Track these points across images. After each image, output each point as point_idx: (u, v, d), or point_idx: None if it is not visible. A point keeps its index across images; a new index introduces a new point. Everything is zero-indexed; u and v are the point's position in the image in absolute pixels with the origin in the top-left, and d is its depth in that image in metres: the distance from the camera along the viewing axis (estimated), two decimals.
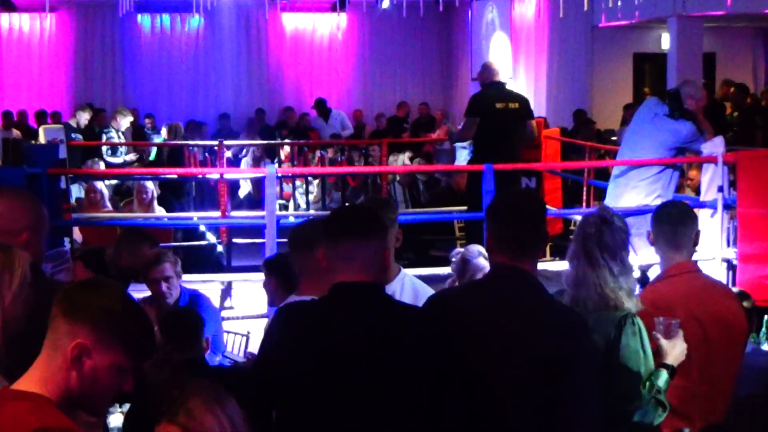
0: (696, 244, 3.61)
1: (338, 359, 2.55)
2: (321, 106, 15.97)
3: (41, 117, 15.33)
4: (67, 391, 2.12)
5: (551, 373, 2.71)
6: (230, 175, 11.05)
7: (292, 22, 18.41)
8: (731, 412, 3.62)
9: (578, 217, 5.26)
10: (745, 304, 3.71)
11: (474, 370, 2.72)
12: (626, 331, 3.11)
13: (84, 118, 13.71)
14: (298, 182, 12.04)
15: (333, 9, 17.36)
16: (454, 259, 4.72)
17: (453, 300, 2.98)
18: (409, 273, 3.64)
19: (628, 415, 3.10)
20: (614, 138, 12.43)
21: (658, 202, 6.13)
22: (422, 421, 2.60)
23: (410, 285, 3.50)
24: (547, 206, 10.92)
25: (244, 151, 13.75)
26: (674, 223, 3.56)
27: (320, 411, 2.57)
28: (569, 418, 2.75)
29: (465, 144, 8.54)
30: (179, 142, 12.48)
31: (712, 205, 6.75)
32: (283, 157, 13.18)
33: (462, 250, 4.74)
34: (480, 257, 4.48)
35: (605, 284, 3.13)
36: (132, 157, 12.62)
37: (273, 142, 13.96)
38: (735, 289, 4.78)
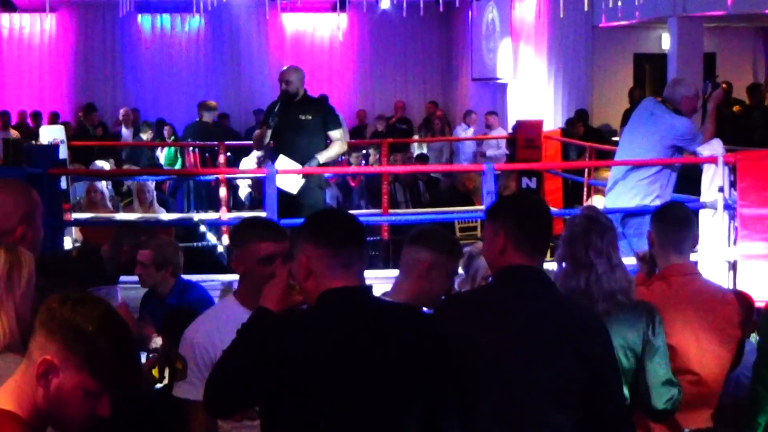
0: (695, 245, 3.60)
1: (355, 365, 2.46)
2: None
3: (37, 118, 15.33)
4: (35, 408, 2.01)
5: (591, 370, 2.73)
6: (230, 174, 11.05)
7: (293, 22, 18.41)
8: (727, 414, 3.62)
9: None
10: (742, 306, 3.69)
11: (497, 376, 2.70)
12: (657, 321, 3.23)
13: None
14: None
15: (333, 9, 17.36)
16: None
17: (465, 303, 2.92)
18: None
19: (677, 400, 3.25)
20: (615, 138, 12.42)
21: (657, 202, 6.12)
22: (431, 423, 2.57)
23: None
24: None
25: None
26: (674, 225, 3.54)
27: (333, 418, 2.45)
28: (612, 412, 2.79)
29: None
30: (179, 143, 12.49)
31: (713, 206, 6.74)
32: None
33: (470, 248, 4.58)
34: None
35: (592, 282, 3.18)
36: None
37: None
38: (733, 291, 4.78)
